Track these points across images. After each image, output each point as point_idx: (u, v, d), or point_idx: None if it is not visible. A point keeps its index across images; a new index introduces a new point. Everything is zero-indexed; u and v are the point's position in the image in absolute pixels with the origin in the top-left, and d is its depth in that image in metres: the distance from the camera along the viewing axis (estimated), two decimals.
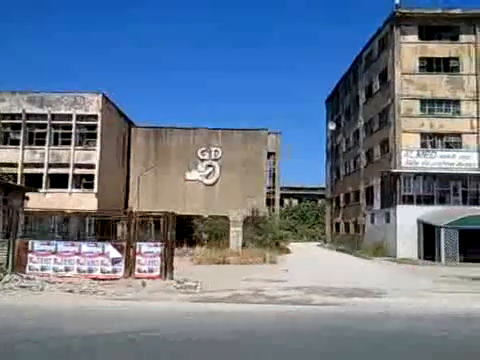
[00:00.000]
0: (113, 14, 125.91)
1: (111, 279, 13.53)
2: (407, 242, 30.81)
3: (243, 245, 34.26)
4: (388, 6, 37.96)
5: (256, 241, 36.05)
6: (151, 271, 13.74)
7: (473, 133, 35.26)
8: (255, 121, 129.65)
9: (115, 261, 13.82)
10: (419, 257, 30.39)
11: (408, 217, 31.16)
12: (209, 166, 39.46)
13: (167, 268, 13.85)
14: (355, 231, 44.28)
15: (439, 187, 32.54)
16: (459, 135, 35.41)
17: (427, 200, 32.37)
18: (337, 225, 53.10)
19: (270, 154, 44.70)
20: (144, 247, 13.91)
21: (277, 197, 45.02)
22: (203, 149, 39.61)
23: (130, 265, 13.78)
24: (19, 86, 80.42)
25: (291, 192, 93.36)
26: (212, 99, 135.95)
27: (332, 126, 54.94)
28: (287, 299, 11.02)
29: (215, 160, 39.51)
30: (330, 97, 58.04)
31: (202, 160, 39.63)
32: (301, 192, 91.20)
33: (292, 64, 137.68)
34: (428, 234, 29.93)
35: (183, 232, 39.51)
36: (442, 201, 32.47)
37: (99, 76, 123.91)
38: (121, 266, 13.84)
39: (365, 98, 43.23)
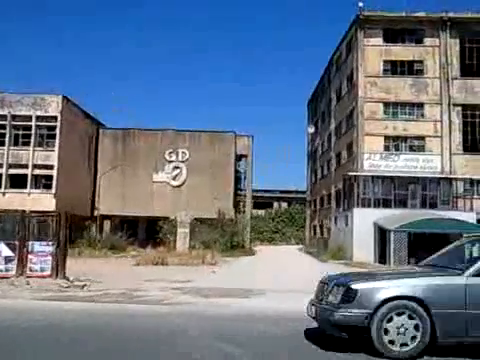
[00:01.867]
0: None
1: (2, 278, 13.61)
2: (363, 245, 30.65)
3: (207, 246, 34.27)
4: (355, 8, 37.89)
5: (221, 243, 36.16)
6: (43, 270, 13.80)
7: (436, 137, 35.09)
8: (246, 124, 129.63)
9: (8, 260, 13.90)
10: (375, 260, 30.26)
11: (365, 220, 30.99)
12: (176, 168, 39.58)
13: (59, 267, 13.88)
14: (326, 234, 44.17)
15: (398, 190, 32.41)
16: (423, 138, 35.26)
17: (385, 203, 32.24)
18: (314, 228, 52.98)
19: (241, 156, 44.79)
20: (36, 246, 13.96)
21: (248, 199, 44.97)
22: (170, 151, 39.75)
23: (22, 264, 13.85)
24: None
25: (281, 195, 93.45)
26: (194, 102, 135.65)
27: (311, 129, 54.88)
28: (151, 299, 11.04)
29: (182, 162, 39.64)
30: (310, 99, 58.00)
31: (169, 162, 39.78)
32: (291, 195, 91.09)
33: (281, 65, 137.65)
34: (383, 238, 29.81)
35: (150, 233, 39.77)
36: (401, 204, 32.34)
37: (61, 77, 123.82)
38: (14, 265, 13.91)
39: (336, 101, 43.20)
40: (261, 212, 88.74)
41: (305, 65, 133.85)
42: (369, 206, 32.13)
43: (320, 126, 51.46)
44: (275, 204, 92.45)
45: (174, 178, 39.33)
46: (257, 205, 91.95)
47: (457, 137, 35.15)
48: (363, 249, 30.62)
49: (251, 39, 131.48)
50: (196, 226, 36.94)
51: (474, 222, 30.76)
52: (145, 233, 41.27)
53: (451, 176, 32.36)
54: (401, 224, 27.53)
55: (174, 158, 39.54)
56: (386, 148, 35.17)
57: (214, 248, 34.22)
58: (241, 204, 44.75)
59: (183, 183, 39.32)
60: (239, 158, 44.70)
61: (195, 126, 56.24)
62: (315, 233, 52.62)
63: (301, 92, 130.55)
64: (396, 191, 32.05)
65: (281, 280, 17.03)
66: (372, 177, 32.13)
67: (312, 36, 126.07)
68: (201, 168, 39.10)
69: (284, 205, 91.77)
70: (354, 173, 32.70)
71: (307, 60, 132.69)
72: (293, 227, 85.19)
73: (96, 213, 38.23)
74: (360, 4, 35.83)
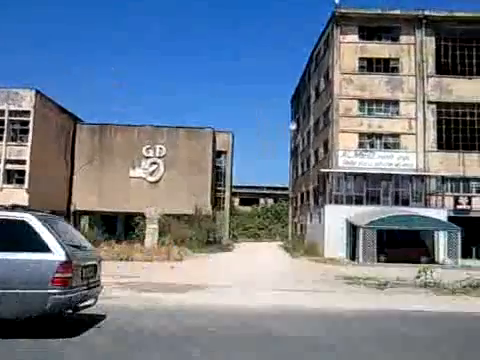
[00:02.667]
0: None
1: None
2: (335, 242, 30.79)
3: (181, 242, 34.30)
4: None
5: (197, 239, 36.22)
6: None
7: (411, 134, 35.27)
8: (232, 120, 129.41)
9: None
10: (346, 257, 30.41)
11: (337, 217, 31.12)
12: (153, 163, 39.51)
13: None
14: (304, 231, 44.30)
15: (370, 187, 32.53)
16: (398, 136, 35.42)
17: (358, 200, 32.37)
18: (295, 224, 53.12)
19: (221, 153, 44.82)
20: None
21: (227, 195, 45.02)
22: (148, 146, 39.67)
23: None
24: None
25: (267, 192, 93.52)
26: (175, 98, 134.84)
27: (293, 126, 54.95)
28: None
29: (159, 158, 39.57)
30: (293, 96, 58.04)
31: (147, 157, 39.69)
32: (278, 192, 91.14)
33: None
34: (355, 234, 29.95)
35: (128, 229, 39.73)
36: (373, 201, 32.48)
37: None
38: None
39: (315, 98, 43.28)
40: (247, 208, 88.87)
41: (292, 61, 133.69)
42: (342, 203, 32.24)
43: (301, 123, 51.53)
44: (261, 201, 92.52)
45: (151, 174, 39.26)
46: (244, 201, 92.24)
47: (432, 135, 35.35)
48: (335, 246, 30.77)
49: (236, 33, 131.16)
50: (171, 222, 37.04)
51: (445, 219, 31.01)
52: (124, 229, 41.22)
53: (423, 173, 32.55)
54: (370, 221, 27.66)
55: (151, 154, 39.46)
56: (361, 145, 35.31)
57: (189, 244, 34.47)
58: (221, 200, 44.76)
59: (160, 179, 39.26)
60: (219, 154, 44.71)
61: (179, 123, 56.00)
62: (296, 230, 52.77)
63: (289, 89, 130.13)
64: (369, 188, 32.18)
65: (237, 276, 17.09)
66: (345, 174, 32.25)
67: (298, 30, 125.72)
68: (178, 164, 39.07)
69: (270, 201, 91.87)
70: (327, 170, 32.80)
71: (294, 56, 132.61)
72: (279, 224, 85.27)
73: (72, 208, 38.10)
74: (336, 1, 35.91)
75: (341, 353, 6.27)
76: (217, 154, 44.43)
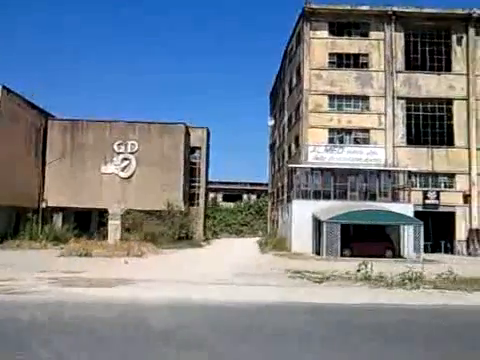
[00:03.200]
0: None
1: None
2: (302, 236, 30.94)
3: (151, 238, 34.27)
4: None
5: (167, 235, 36.24)
6: None
7: (381, 129, 35.51)
8: (217, 116, 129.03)
9: None
10: (313, 251, 30.58)
11: (304, 212, 31.25)
12: (125, 159, 39.37)
13: None
14: (277, 226, 44.48)
15: (338, 182, 32.68)
16: (367, 131, 35.64)
17: (326, 195, 32.50)
18: (273, 220, 53.29)
19: (195, 149, 44.78)
20: None
21: (202, 191, 44.98)
22: (120, 142, 39.51)
23: None
24: None
25: (251, 188, 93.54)
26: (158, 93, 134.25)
27: (271, 122, 55.05)
28: (5, 288, 11.07)
29: (131, 153, 39.44)
30: (271, 91, 58.08)
31: (118, 153, 39.53)
32: (261, 188, 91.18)
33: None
34: (320, 229, 30.08)
35: (99, 225, 39.63)
36: (341, 196, 32.67)
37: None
38: None
39: (288, 93, 43.36)
40: (230, 204, 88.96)
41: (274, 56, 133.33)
42: (309, 198, 32.37)
43: (277, 118, 51.64)
44: (245, 197, 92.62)
45: (123, 170, 39.12)
46: (227, 198, 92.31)
47: (401, 130, 35.63)
48: (302, 240, 30.92)
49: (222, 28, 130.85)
50: (143, 218, 37.02)
51: (411, 214, 31.26)
52: (97, 225, 41.09)
53: (391, 168, 32.76)
54: (333, 215, 27.82)
55: (123, 150, 39.31)
56: (331, 140, 35.48)
57: (160, 240, 34.50)
58: (196, 196, 44.75)
59: (132, 175, 39.14)
60: (193, 150, 44.68)
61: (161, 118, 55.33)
62: (273, 225, 52.95)
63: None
64: (336, 183, 32.32)
65: (186, 271, 17.14)
66: (312, 169, 32.36)
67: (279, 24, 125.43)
68: (150, 160, 38.97)
69: (254, 197, 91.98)
70: (294, 165, 32.93)
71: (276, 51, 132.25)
72: (261, 220, 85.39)
73: (43, 205, 37.90)
74: None
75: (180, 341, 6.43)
76: (192, 150, 44.36)
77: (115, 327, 7.42)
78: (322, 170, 32.40)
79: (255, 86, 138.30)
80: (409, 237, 29.19)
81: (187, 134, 42.39)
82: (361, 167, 33.65)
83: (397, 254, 29.28)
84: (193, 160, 44.69)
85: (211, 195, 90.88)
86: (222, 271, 16.85)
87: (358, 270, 15.06)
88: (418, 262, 26.91)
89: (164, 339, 6.68)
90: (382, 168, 32.66)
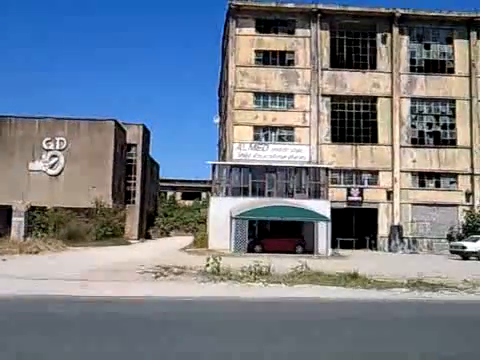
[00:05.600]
0: None
1: None
2: (220, 233, 30.77)
3: (75, 236, 33.89)
4: None
5: (92, 233, 35.90)
6: None
7: (305, 126, 35.72)
8: (175, 112, 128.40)
9: None
10: (230, 248, 30.51)
11: (222, 209, 31.07)
12: (54, 156, 38.84)
13: None
14: None
15: (258, 179, 32.51)
16: (292, 128, 35.84)
17: (245, 192, 32.34)
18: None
19: (131, 146, 44.45)
20: None
21: (138, 188, 44.66)
22: (48, 139, 38.94)
23: None
24: None
25: (210, 185, 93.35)
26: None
27: (216, 119, 54.80)
28: None
29: (60, 150, 38.91)
30: (218, 88, 57.89)
31: (47, 150, 38.97)
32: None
33: None
34: None
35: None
36: (261, 193, 32.57)
37: None
38: None
39: (224, 91, 43.31)
40: (189, 202, 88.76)
41: None
42: (229, 195, 32.28)
43: (222, 115, 51.54)
44: (203, 194, 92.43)
45: (51, 167, 38.60)
46: (185, 196, 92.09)
47: (325, 127, 35.90)
48: (220, 237, 30.75)
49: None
50: (71, 215, 36.60)
51: (328, 210, 31.38)
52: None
53: (309, 165, 32.88)
54: (242, 212, 27.85)
55: (52, 146, 38.77)
56: (256, 138, 35.59)
57: (84, 238, 34.18)
58: (132, 193, 44.43)
59: (61, 172, 38.64)
60: (130, 147, 44.35)
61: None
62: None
63: None
64: (255, 180, 32.14)
65: (52, 268, 16.90)
66: (231, 166, 32.27)
67: None
68: (79, 157, 38.52)
69: None
70: (212, 162, 32.83)
71: None
72: None
73: None
74: None
75: None
76: (128, 147, 44.02)
77: None
78: (241, 167, 32.32)
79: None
80: (323, 233, 29.39)
81: (121, 131, 42.03)
82: (285, 164, 33.68)
83: (309, 250, 29.32)
84: (129, 157, 44.32)
85: (170, 193, 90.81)
86: (84, 268, 16.67)
87: (207, 265, 15.03)
88: (322, 257, 27.26)
89: None
90: (300, 165, 32.73)
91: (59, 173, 38.77)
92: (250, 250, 28.39)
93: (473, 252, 26.98)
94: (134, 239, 41.73)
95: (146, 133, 46.13)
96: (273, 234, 29.82)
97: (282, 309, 9.71)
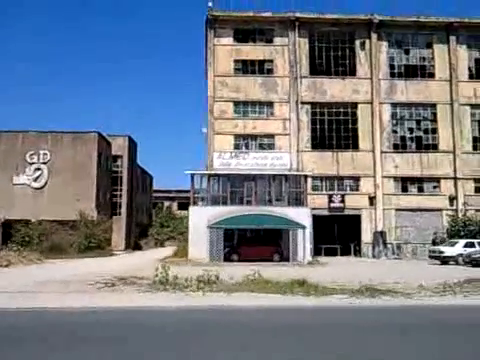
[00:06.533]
0: None
1: None
2: (198, 243, 30.70)
3: (57, 250, 33.96)
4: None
5: (82, 244, 35.99)
6: None
7: (286, 134, 35.70)
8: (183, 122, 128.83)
9: None
10: (208, 257, 30.41)
11: (201, 218, 30.97)
12: (37, 169, 39.04)
13: None
14: None
15: (237, 188, 32.37)
16: (272, 136, 35.83)
17: (224, 201, 32.25)
18: None
19: (117, 157, 44.60)
20: None
21: (124, 200, 44.72)
22: (32, 152, 39.18)
23: None
24: None
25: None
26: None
27: (204, 129, 54.90)
28: None
29: (44, 163, 39.13)
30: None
31: (31, 163, 39.18)
32: None
33: None
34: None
35: (7, 236, 39.01)
36: (241, 202, 32.47)
37: None
38: None
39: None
40: (186, 212, 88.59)
41: None
42: (208, 204, 32.23)
43: None
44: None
45: (35, 180, 38.79)
46: (183, 205, 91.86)
47: (306, 135, 35.86)
48: (199, 247, 30.66)
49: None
50: (56, 228, 36.74)
51: (307, 218, 31.24)
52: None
53: (288, 173, 32.82)
54: (217, 221, 27.80)
55: (35, 160, 38.99)
56: (236, 147, 35.59)
57: (67, 250, 34.29)
58: (118, 205, 44.50)
59: (45, 185, 38.81)
60: (115, 159, 44.50)
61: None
62: None
63: None
64: (234, 189, 32.04)
65: (7, 281, 16.93)
66: (209, 175, 32.26)
67: None
68: (63, 169, 38.71)
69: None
70: (191, 171, 32.74)
71: None
72: None
73: None
74: (209, 4, 36.10)
75: None
76: (114, 158, 44.17)
77: None
78: (219, 176, 32.31)
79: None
80: (301, 241, 29.26)
81: (106, 143, 42.21)
82: (265, 172, 33.58)
83: (289, 257, 29.14)
84: (115, 169, 44.46)
85: (166, 203, 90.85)
86: (39, 281, 16.69)
87: (156, 275, 15.00)
88: (301, 265, 27.12)
89: None
90: (279, 173, 32.66)
91: (43, 186, 38.95)
92: (227, 259, 28.35)
93: (451, 257, 26.76)
94: (120, 250, 41.71)
95: (132, 144, 46.28)
96: (251, 242, 29.76)
97: (193, 317, 9.68)
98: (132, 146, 46.17)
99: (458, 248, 26.60)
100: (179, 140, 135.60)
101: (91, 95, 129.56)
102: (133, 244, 47.45)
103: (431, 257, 28.32)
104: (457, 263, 26.14)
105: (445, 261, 27.03)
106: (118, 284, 15.60)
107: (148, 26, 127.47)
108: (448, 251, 26.80)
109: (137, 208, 55.75)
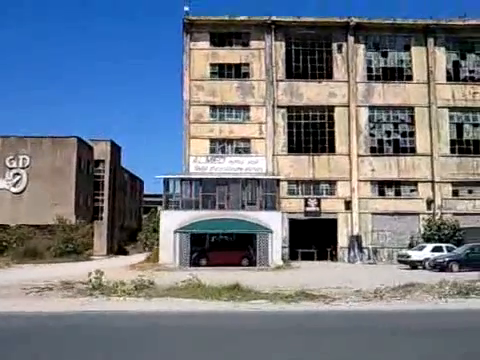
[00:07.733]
0: None
1: None
2: (169, 247, 30.63)
3: (32, 254, 34.02)
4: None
5: (58, 249, 36.05)
6: None
7: (262, 138, 35.58)
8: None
9: None
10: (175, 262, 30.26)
11: (172, 223, 30.93)
12: (17, 174, 39.16)
13: None
14: None
15: (209, 192, 32.27)
16: (248, 140, 35.71)
17: (196, 205, 32.09)
18: None
19: (99, 162, 44.62)
20: None
21: (106, 205, 44.70)
22: (11, 157, 39.31)
23: None
24: None
25: None
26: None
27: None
28: None
29: (23, 168, 39.25)
30: None
31: (10, 168, 39.30)
32: None
33: None
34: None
35: None
36: (213, 206, 32.37)
37: None
38: None
39: None
40: None
41: None
42: (179, 208, 32.12)
43: None
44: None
45: (14, 185, 38.89)
46: (95, 209, 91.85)
47: (282, 138, 35.71)
48: (168, 251, 30.60)
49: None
50: (33, 232, 36.86)
51: (279, 221, 31.08)
52: None
53: (261, 177, 32.68)
54: (183, 225, 27.70)
55: (15, 164, 39.14)
56: (212, 151, 35.49)
57: (43, 255, 34.37)
58: (100, 209, 44.51)
59: (23, 190, 38.91)
60: (98, 164, 44.54)
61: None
62: None
63: None
64: (206, 193, 31.94)
65: None
66: (181, 179, 32.19)
67: None
68: (42, 174, 38.81)
69: None
70: (163, 176, 32.70)
71: None
72: None
73: None
74: (186, 8, 36.11)
75: None
76: (96, 163, 44.22)
77: None
78: (191, 180, 32.24)
79: None
80: (271, 245, 29.12)
81: (87, 147, 42.26)
82: (240, 176, 33.43)
83: (261, 262, 28.98)
84: (97, 173, 44.48)
85: (159, 208, 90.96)
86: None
87: (89, 280, 14.93)
88: (267, 269, 26.95)
89: None
90: (252, 177, 32.54)
91: (22, 191, 39.07)
92: (196, 264, 28.22)
93: (418, 261, 26.47)
94: (101, 255, 41.61)
95: (115, 148, 46.29)
96: (221, 247, 29.64)
97: (74, 321, 9.63)
98: (115, 151, 46.18)
99: (425, 252, 26.32)
100: (176, 145, 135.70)
101: (91, 99, 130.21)
102: (117, 249, 47.36)
103: (400, 261, 28.05)
104: (424, 268, 25.84)
105: (414, 266, 26.75)
106: (54, 289, 15.54)
107: (144, 27, 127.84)
108: (415, 255, 26.56)
109: (124, 213, 55.79)
